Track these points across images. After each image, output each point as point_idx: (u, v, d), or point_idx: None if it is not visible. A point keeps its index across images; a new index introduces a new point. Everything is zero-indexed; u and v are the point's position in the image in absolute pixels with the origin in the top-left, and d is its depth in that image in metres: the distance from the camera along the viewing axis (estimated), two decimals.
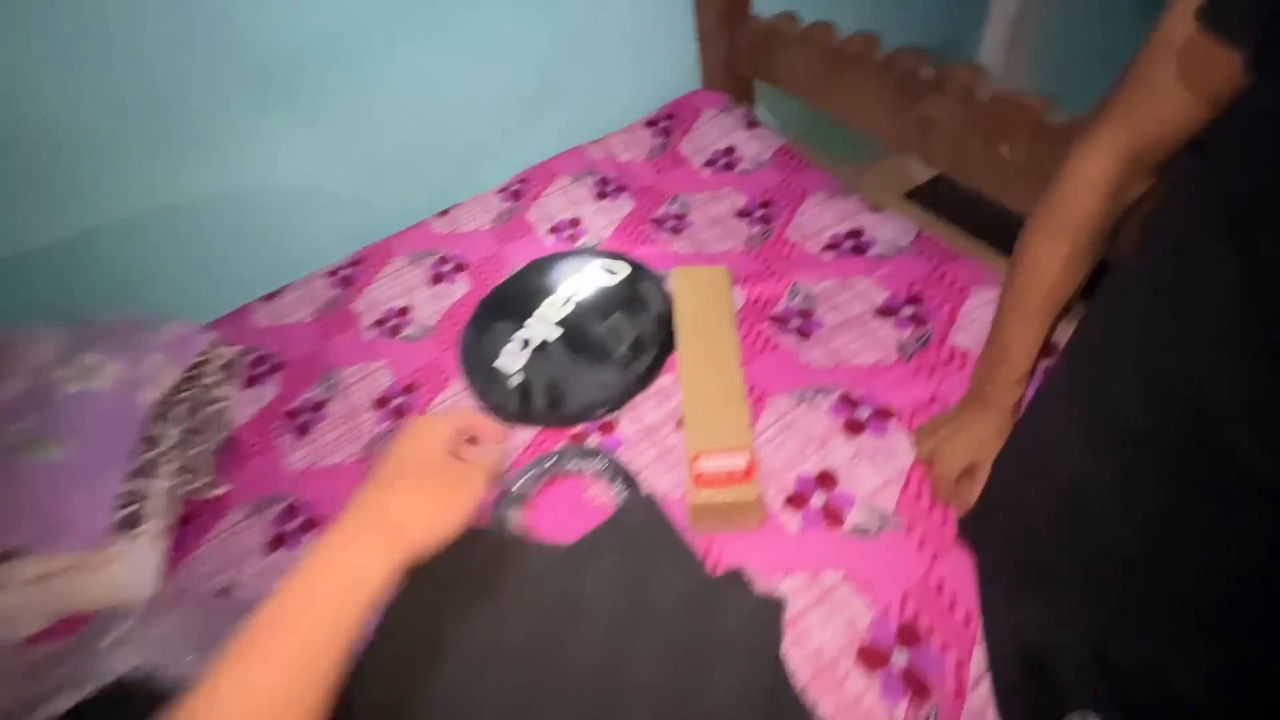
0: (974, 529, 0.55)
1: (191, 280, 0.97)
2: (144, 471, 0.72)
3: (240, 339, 0.94)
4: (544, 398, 0.73)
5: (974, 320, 0.75)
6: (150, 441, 0.76)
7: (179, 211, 0.91)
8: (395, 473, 0.42)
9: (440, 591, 0.52)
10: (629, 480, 0.66)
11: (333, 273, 1.01)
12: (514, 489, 0.66)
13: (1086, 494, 0.43)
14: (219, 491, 0.76)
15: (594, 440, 0.72)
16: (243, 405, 0.88)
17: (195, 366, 0.86)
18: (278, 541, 0.72)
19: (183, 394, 0.82)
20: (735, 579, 0.57)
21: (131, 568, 0.68)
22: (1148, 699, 0.39)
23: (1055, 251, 0.51)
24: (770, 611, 0.47)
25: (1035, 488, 0.48)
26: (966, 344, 0.73)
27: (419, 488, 0.41)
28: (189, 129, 0.87)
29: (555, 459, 0.68)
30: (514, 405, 0.74)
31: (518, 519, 0.65)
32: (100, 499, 0.67)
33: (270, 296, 1.00)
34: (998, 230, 0.78)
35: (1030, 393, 0.58)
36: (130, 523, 0.69)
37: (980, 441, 0.57)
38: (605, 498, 0.65)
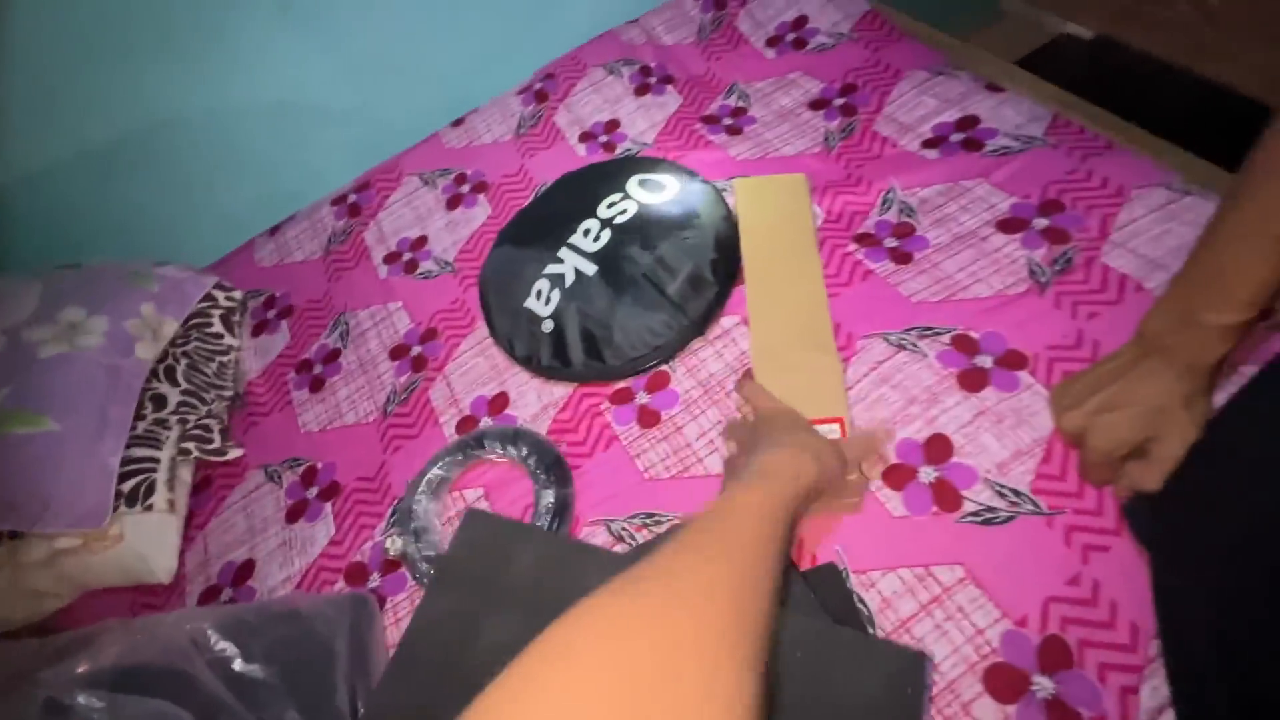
0: (1153, 525, 0.42)
1: (182, 216, 0.87)
2: (148, 438, 0.65)
3: (244, 282, 0.84)
4: (581, 346, 0.61)
5: (1134, 234, 0.57)
6: (155, 402, 0.69)
7: (159, 134, 0.80)
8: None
9: (476, 601, 0.43)
10: (561, 471, 0.56)
11: (338, 200, 0.89)
12: (432, 473, 0.59)
13: None
14: (232, 456, 0.69)
15: (643, 399, 0.60)
16: (252, 357, 0.79)
17: (195, 316, 0.77)
18: (297, 511, 0.65)
19: (184, 347, 0.74)
20: (827, 575, 0.46)
21: (146, 541, 0.63)
22: None
23: None
24: (912, 668, 0.35)
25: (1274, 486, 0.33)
26: (1125, 266, 0.56)
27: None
28: (158, 34, 0.73)
29: (473, 442, 0.59)
30: (547, 356, 0.63)
31: (433, 510, 0.58)
32: (98, 472, 0.60)
33: (274, 231, 0.89)
34: (1173, 109, 0.58)
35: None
36: (137, 496, 0.62)
37: (1159, 413, 0.42)
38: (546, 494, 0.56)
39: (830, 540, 0.49)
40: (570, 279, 0.63)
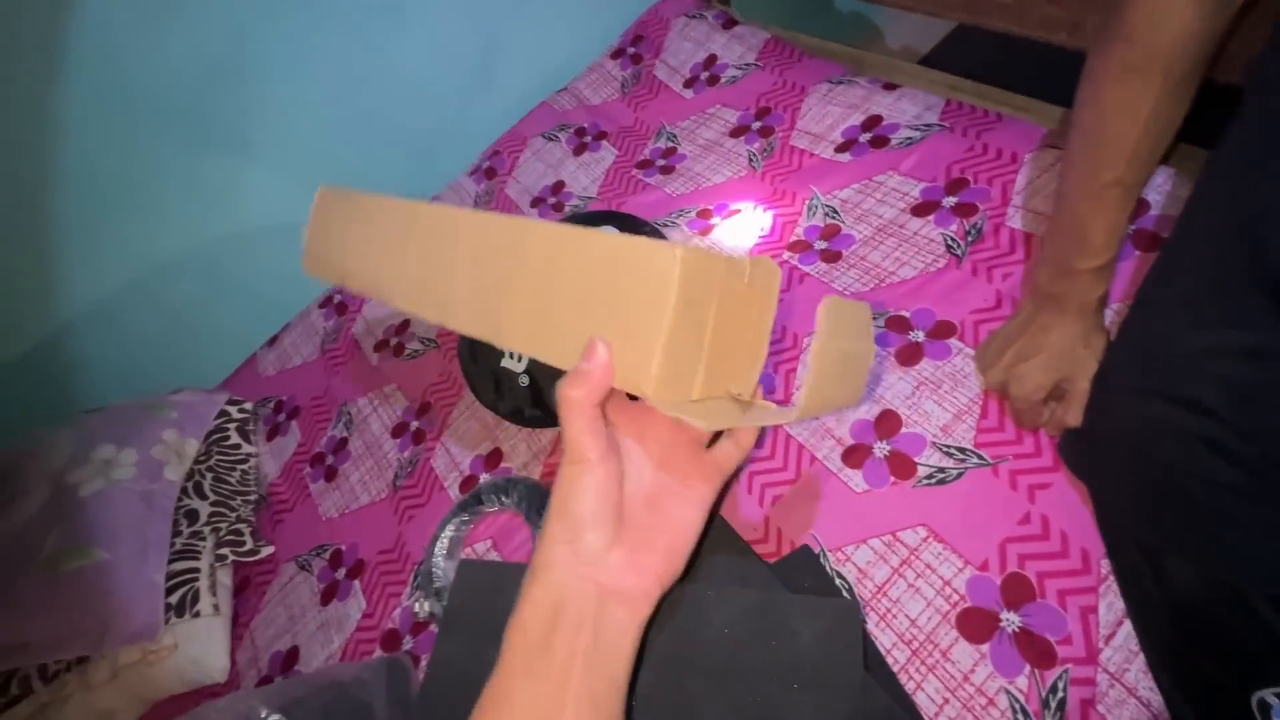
0: (1085, 460, 0.45)
1: (188, 345, 0.95)
2: (187, 551, 0.71)
3: (252, 393, 0.91)
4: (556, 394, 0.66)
5: (1032, 194, 0.62)
6: (188, 517, 0.75)
7: (154, 278, 0.88)
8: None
9: (478, 640, 0.48)
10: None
11: (325, 302, 0.96)
12: (443, 537, 0.63)
13: (1255, 400, 0.33)
14: (264, 553, 0.75)
15: None
16: (270, 460, 0.86)
17: (214, 433, 0.84)
18: (330, 593, 0.70)
19: (207, 463, 0.81)
20: (803, 559, 0.50)
21: (198, 645, 0.68)
22: None
23: (1136, 94, 0.38)
24: (846, 620, 0.39)
25: (1168, 402, 0.38)
26: (1028, 225, 0.61)
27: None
28: (125, 194, 0.82)
29: (473, 500, 0.64)
30: (528, 408, 0.68)
31: (451, 569, 0.62)
32: (147, 590, 0.66)
33: (272, 341, 0.97)
34: (1046, 77, 0.64)
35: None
36: (185, 605, 0.68)
37: (1064, 355, 0.46)
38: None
39: (804, 527, 0.53)
40: None
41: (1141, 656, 0.41)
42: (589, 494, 0.32)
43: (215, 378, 0.96)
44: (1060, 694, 0.42)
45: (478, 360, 0.72)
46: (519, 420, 0.69)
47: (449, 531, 0.64)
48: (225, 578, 0.74)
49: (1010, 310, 0.57)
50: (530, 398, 0.68)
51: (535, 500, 0.62)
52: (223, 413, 0.85)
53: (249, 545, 0.75)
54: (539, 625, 0.32)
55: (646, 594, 0.34)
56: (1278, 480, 0.33)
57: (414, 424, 0.78)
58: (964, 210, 0.64)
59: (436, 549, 0.64)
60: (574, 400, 0.31)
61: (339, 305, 0.95)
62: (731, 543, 0.49)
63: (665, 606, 0.40)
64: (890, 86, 0.78)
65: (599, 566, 0.32)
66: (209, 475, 0.80)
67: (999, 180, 0.65)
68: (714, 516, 0.47)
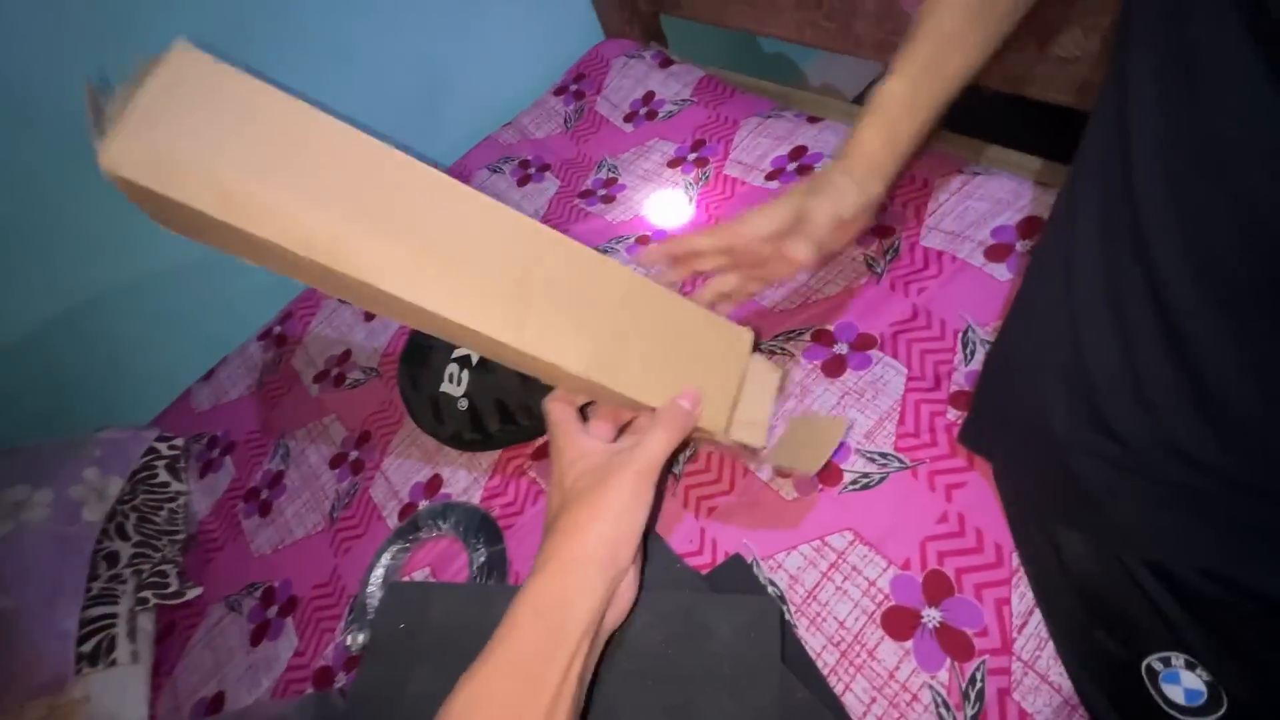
0: (984, 439, 0.48)
1: (117, 382, 0.91)
2: (104, 596, 0.68)
3: (186, 428, 0.88)
4: (495, 416, 0.67)
5: (942, 216, 0.66)
6: (108, 560, 0.71)
7: (84, 314, 0.85)
8: (553, 512, 0.43)
9: (402, 664, 0.46)
10: (490, 530, 0.61)
11: (264, 334, 0.95)
12: (379, 566, 0.62)
13: (1130, 377, 0.35)
14: (191, 595, 0.72)
15: None
16: (201, 497, 0.82)
17: (140, 471, 0.80)
18: (260, 633, 0.67)
19: (131, 502, 0.77)
20: (735, 567, 0.51)
21: (113, 697, 0.64)
22: (1246, 625, 0.32)
23: None
24: (763, 617, 0.40)
25: (1056, 378, 0.40)
26: (939, 244, 0.65)
27: (569, 512, 0.40)
28: (53, 226, 0.79)
29: (409, 528, 0.64)
30: (468, 432, 0.68)
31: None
32: (56, 638, 0.62)
33: (208, 376, 0.94)
34: (960, 112, 0.69)
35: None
36: (99, 654, 0.64)
37: (840, 189, 0.49)
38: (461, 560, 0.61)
39: (736, 537, 0.54)
40: (476, 358, 0.69)
41: (1051, 643, 0.43)
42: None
43: (146, 415, 0.92)
44: (979, 685, 0.43)
45: (418, 386, 0.72)
46: (459, 444, 0.69)
47: (385, 560, 0.63)
48: (147, 623, 0.71)
49: (925, 322, 0.60)
50: (470, 422, 0.68)
51: (473, 525, 0.61)
52: (151, 450, 0.82)
53: (174, 587, 0.71)
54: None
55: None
56: (1150, 452, 0.35)
57: (353, 454, 0.76)
58: (883, 231, 0.68)
59: (372, 579, 0.62)
60: (671, 436, 0.43)
61: (278, 337, 0.93)
62: (662, 554, 0.49)
63: None
64: (814, 120, 0.83)
65: None
66: (133, 515, 0.76)
67: (913, 203, 0.69)
68: (648, 533, 0.48)
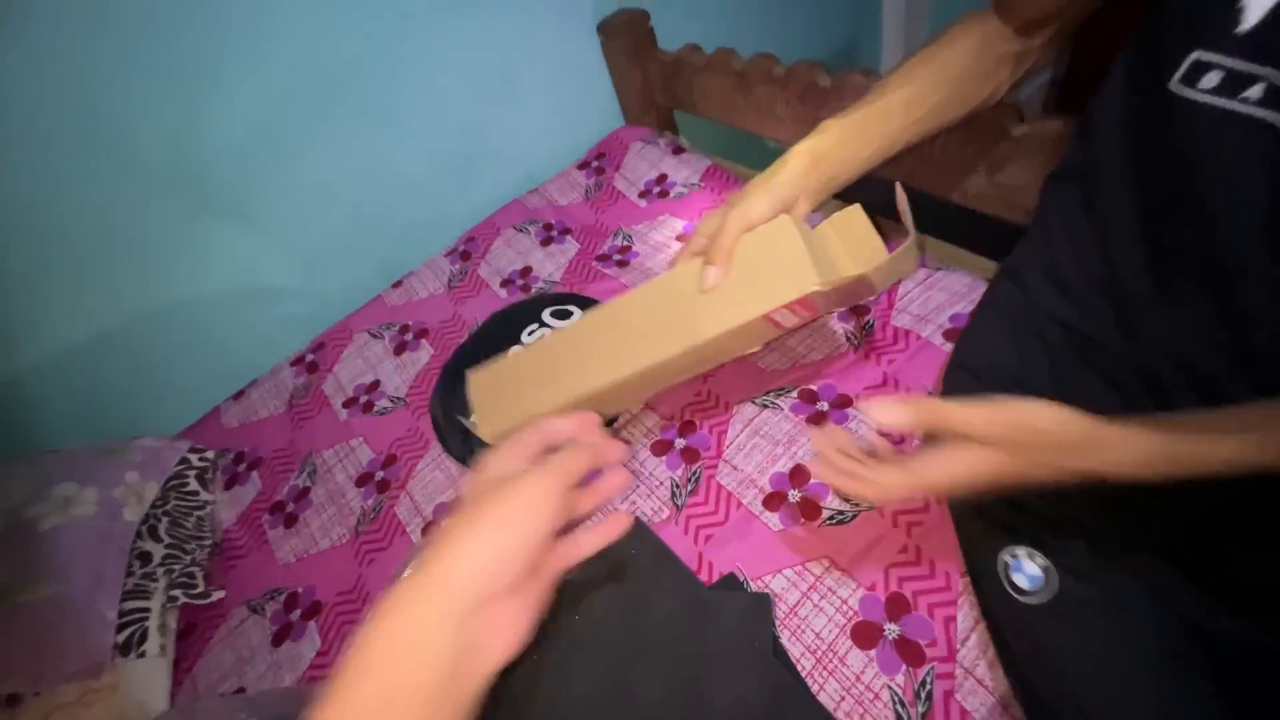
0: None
1: (149, 395, 0.98)
2: (138, 591, 0.73)
3: (213, 442, 0.94)
4: None
5: (910, 301, 0.79)
6: (141, 559, 0.76)
7: (130, 329, 0.92)
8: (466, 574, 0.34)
9: None
10: None
11: (297, 360, 1.02)
12: (405, 575, 0.67)
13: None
14: (215, 598, 0.77)
15: None
16: (226, 508, 0.88)
17: (172, 478, 0.86)
18: (283, 634, 0.72)
19: (164, 507, 0.83)
20: (728, 584, 0.60)
21: (138, 688, 0.68)
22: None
23: (969, 33, 0.58)
24: (759, 606, 0.50)
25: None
26: (906, 324, 0.77)
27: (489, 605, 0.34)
28: (115, 252, 0.87)
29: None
30: None
31: None
32: (97, 625, 0.67)
33: (238, 395, 1.01)
34: (938, 219, 0.84)
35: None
36: (131, 644, 0.69)
37: (752, 200, 0.57)
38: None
39: (729, 561, 0.63)
40: None
41: (989, 652, 0.52)
42: None
43: (174, 428, 0.98)
44: (929, 687, 0.52)
45: (449, 414, 0.81)
46: None
47: (410, 570, 0.70)
48: (171, 621, 0.75)
49: (894, 388, 0.72)
50: None
51: None
52: (184, 460, 0.88)
53: (201, 588, 0.76)
54: None
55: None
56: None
57: (379, 474, 0.84)
58: (859, 311, 0.81)
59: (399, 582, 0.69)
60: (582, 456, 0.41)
61: (310, 364, 1.01)
62: (673, 564, 0.58)
63: (610, 604, 0.49)
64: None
65: None
66: (165, 519, 0.81)
67: (887, 291, 0.82)
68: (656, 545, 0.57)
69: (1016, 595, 0.47)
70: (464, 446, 0.78)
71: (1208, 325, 0.42)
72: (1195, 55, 0.38)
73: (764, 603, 0.48)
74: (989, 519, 0.51)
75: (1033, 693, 0.45)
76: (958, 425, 0.38)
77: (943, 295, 0.78)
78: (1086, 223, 0.52)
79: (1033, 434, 0.36)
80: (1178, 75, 0.39)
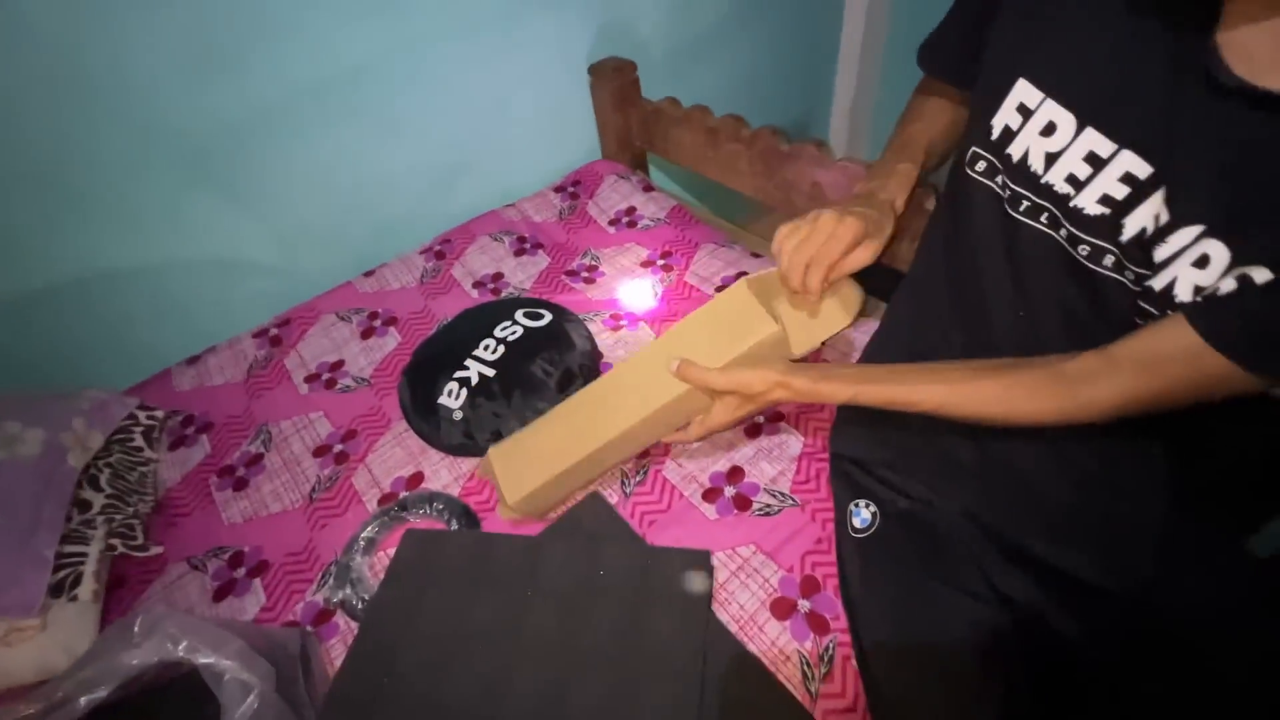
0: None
1: (102, 348, 0.97)
2: (75, 536, 0.72)
3: (162, 403, 0.94)
4: (485, 431, 0.81)
5: (843, 339, 0.92)
6: (80, 506, 0.75)
7: (92, 284, 0.92)
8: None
9: (415, 588, 0.58)
10: (470, 517, 0.74)
11: (259, 333, 1.04)
12: (363, 535, 0.72)
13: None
14: (153, 551, 0.76)
15: None
16: (170, 468, 0.88)
17: (118, 432, 0.86)
18: (225, 590, 0.73)
19: (107, 459, 0.82)
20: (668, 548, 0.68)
21: (68, 631, 0.67)
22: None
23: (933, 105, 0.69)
24: (700, 560, 0.58)
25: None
26: (831, 355, 0.90)
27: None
28: (105, 205, 0.89)
29: (397, 507, 0.75)
30: (457, 438, 0.82)
31: (365, 564, 0.71)
32: (33, 563, 0.66)
33: (193, 360, 1.01)
34: (864, 275, 0.98)
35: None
36: (63, 587, 0.68)
37: (875, 220, 0.62)
38: None
39: (668, 542, 0.71)
40: (475, 380, 0.84)
41: None
42: None
43: (122, 383, 0.96)
44: (830, 653, 0.61)
45: (416, 394, 0.86)
46: (449, 449, 0.82)
47: (369, 532, 0.73)
48: (104, 570, 0.74)
49: (819, 408, 0.83)
50: (462, 430, 0.82)
51: (456, 511, 0.74)
52: (131, 415, 0.88)
53: (140, 540, 0.76)
54: None
55: None
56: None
57: (338, 447, 0.87)
58: None
59: (354, 546, 0.72)
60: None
61: (274, 338, 1.03)
62: (622, 527, 0.66)
63: (567, 556, 0.56)
64: (756, 254, 1.10)
65: None
66: (107, 470, 0.81)
67: None
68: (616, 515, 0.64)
69: (853, 533, 0.64)
70: (428, 426, 0.83)
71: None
72: (973, 148, 0.56)
73: (703, 558, 0.56)
74: (849, 484, 0.69)
75: (853, 609, 0.62)
76: (711, 384, 0.58)
77: (861, 336, 0.91)
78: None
79: (750, 389, 0.57)
80: (965, 160, 0.58)
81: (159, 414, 0.91)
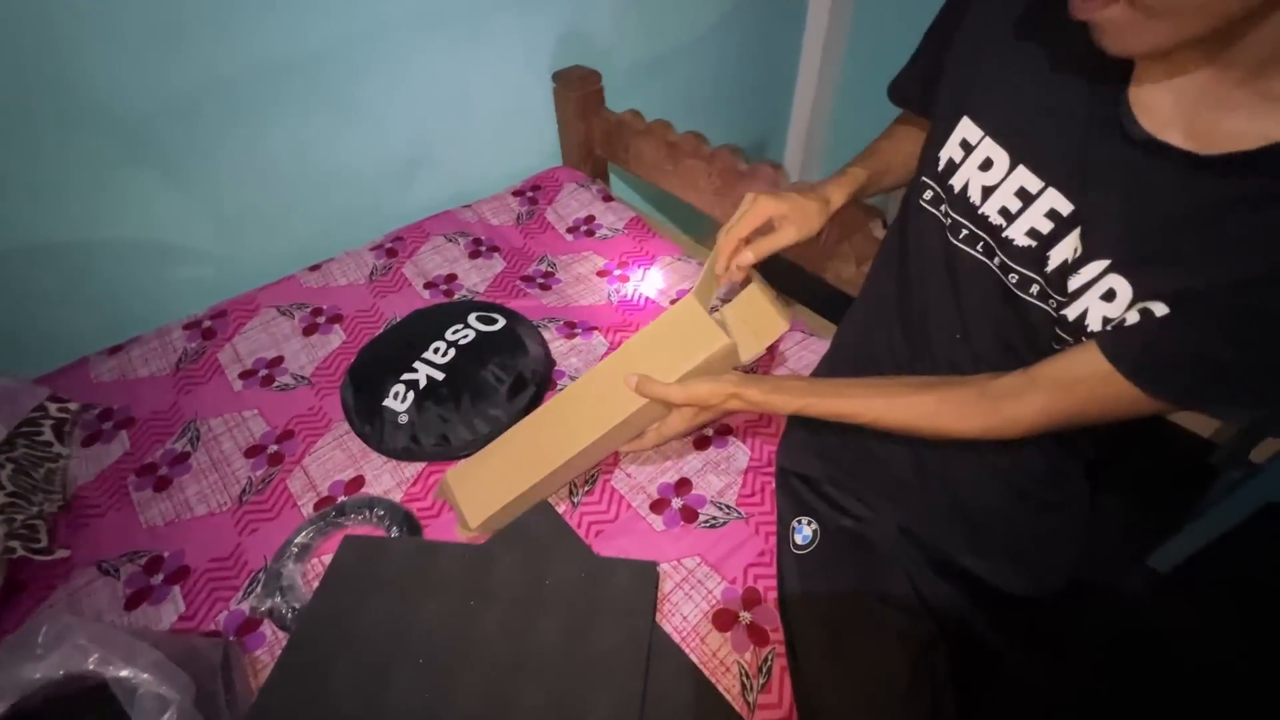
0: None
1: (15, 332, 0.89)
2: None
3: (78, 394, 0.88)
4: (432, 435, 0.79)
5: (790, 359, 0.95)
6: None
7: (10, 258, 0.85)
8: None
9: (353, 597, 0.56)
10: (412, 524, 0.72)
11: (191, 324, 0.98)
12: (296, 541, 0.70)
13: None
14: (58, 555, 0.71)
15: None
16: (83, 464, 0.82)
17: (25, 424, 0.79)
18: (140, 597, 0.69)
19: (10, 453, 0.76)
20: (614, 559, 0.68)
21: None
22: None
23: (897, 132, 0.74)
24: (645, 573, 0.58)
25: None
26: (784, 374, 0.92)
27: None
28: (25, 174, 0.83)
29: (334, 512, 0.72)
30: (402, 442, 0.79)
31: (298, 572, 0.68)
32: None
33: (115, 350, 0.95)
34: (814, 297, 1.01)
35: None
36: None
37: (800, 204, 0.66)
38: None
39: (615, 552, 0.71)
40: (424, 383, 0.82)
41: None
42: None
43: (34, 370, 0.89)
44: (769, 664, 0.63)
45: (360, 395, 0.83)
46: (393, 453, 0.80)
47: (302, 538, 0.70)
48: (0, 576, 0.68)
49: (766, 422, 0.85)
50: (408, 434, 0.80)
51: (397, 517, 0.72)
52: (40, 408, 0.81)
53: (44, 543, 0.70)
54: None
55: None
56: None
57: (273, 447, 0.83)
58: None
59: (286, 552, 0.69)
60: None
61: (206, 330, 0.97)
62: (570, 537, 0.65)
63: (515, 565, 0.55)
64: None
65: None
66: (9, 466, 0.74)
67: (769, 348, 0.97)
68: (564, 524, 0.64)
69: (794, 549, 0.67)
70: (370, 429, 0.81)
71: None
72: (922, 178, 0.59)
73: (649, 570, 0.56)
74: (794, 500, 0.71)
75: (790, 623, 0.64)
76: (669, 399, 0.60)
77: (812, 356, 0.94)
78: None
79: (707, 401, 0.59)
80: (915, 189, 0.61)
81: (72, 406, 0.85)
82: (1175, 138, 0.43)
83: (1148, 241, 0.45)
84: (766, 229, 0.67)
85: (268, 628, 0.66)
